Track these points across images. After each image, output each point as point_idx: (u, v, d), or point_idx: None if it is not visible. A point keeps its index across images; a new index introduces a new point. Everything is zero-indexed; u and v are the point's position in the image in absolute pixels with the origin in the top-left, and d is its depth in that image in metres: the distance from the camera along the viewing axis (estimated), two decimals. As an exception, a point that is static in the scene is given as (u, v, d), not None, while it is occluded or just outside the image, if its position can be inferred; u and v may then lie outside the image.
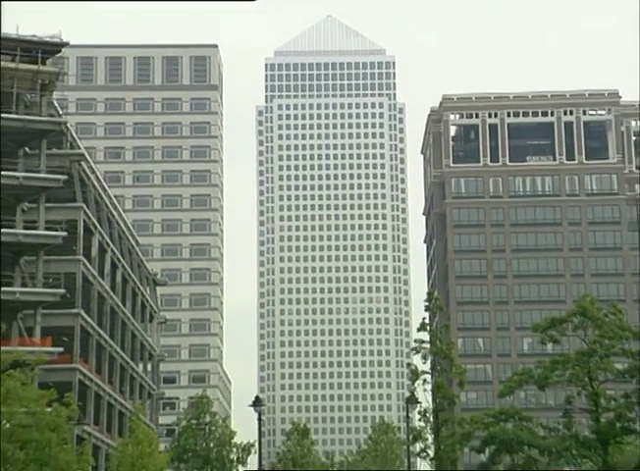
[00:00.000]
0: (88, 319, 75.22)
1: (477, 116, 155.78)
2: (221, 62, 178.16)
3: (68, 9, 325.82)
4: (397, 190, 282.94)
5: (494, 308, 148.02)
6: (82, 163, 78.25)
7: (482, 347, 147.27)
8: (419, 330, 60.77)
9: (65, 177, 70.61)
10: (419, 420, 59.49)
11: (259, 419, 52.59)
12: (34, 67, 69.21)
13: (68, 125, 75.75)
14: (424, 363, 59.08)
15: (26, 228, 68.80)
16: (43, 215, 69.11)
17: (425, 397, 58.26)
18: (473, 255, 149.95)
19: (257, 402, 52.34)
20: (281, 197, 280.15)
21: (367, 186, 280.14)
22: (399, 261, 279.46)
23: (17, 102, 69.00)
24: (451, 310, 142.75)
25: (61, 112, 77.37)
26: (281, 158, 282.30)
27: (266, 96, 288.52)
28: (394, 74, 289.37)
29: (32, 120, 69.20)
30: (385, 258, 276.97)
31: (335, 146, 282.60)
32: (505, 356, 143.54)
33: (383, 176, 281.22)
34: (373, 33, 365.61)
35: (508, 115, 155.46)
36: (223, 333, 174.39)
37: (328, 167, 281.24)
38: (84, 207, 75.55)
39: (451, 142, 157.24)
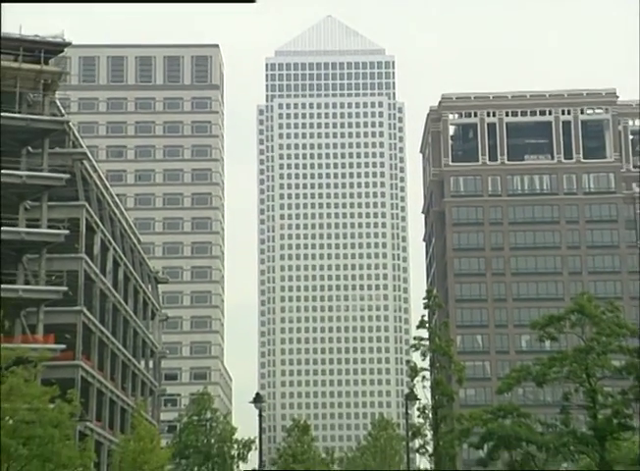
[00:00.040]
0: (91, 316, 75.27)
1: (476, 115, 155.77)
2: (222, 62, 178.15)
3: (70, 10, 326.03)
4: (396, 189, 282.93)
5: (492, 306, 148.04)
6: (85, 162, 78.29)
7: (480, 345, 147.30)
8: (418, 327, 60.79)
9: (67, 175, 70.69)
10: (418, 416, 59.50)
11: (260, 415, 52.62)
12: (37, 66, 69.26)
13: (70, 124, 75.80)
14: (423, 360, 59.12)
15: (28, 226, 68.87)
16: (46, 213, 69.16)
17: (424, 394, 58.30)
18: (472, 253, 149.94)
19: (258, 399, 52.37)
20: (281, 196, 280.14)
21: (367, 185, 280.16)
22: (398, 259, 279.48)
23: (20, 101, 69.05)
24: (449, 308, 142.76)
25: (63, 111, 77.37)
26: (281, 157, 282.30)
27: (267, 96, 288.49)
28: (393, 73, 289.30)
29: (35, 119, 69.27)
30: (384, 256, 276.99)
31: (335, 145, 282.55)
32: (503, 353, 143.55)
33: (382, 174, 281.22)
34: (373, 33, 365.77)
35: (507, 114, 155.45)
36: (224, 330, 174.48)
37: (328, 166, 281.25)
38: (87, 205, 75.58)
39: (449, 141, 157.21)
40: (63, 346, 67.74)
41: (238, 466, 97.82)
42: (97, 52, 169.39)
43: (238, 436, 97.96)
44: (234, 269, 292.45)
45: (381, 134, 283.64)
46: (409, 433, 60.24)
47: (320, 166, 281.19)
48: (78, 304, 72.57)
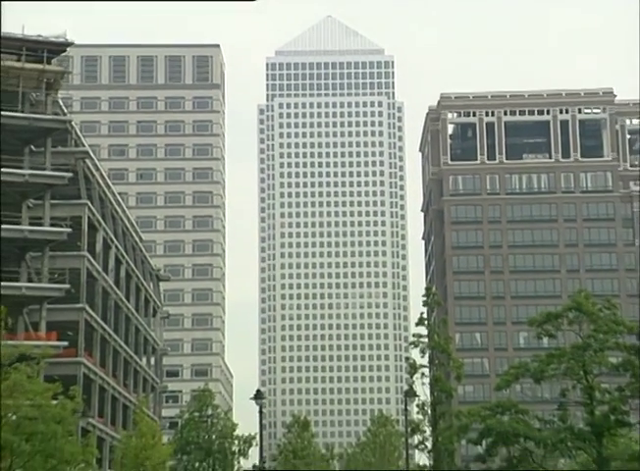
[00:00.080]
0: (93, 314, 75.31)
1: (474, 114, 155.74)
2: (223, 61, 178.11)
3: (72, 9, 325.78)
4: (395, 187, 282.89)
5: (491, 303, 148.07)
6: (87, 160, 78.31)
7: (479, 342, 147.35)
8: (417, 324, 60.72)
9: (70, 174, 70.71)
10: (417, 413, 59.49)
11: (260, 412, 52.66)
12: (40, 66, 69.31)
13: (72, 123, 75.87)
14: (422, 357, 59.07)
15: (31, 224, 68.92)
16: (48, 212, 69.21)
17: (423, 391, 58.30)
18: (470, 251, 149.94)
19: (258, 395, 52.41)
20: (281, 194, 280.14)
21: (366, 184, 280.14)
22: (397, 257, 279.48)
23: (22, 101, 69.09)
24: (448, 305, 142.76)
25: (66, 110, 77.49)
26: (282, 155, 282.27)
27: (267, 95, 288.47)
28: (392, 73, 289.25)
29: (38, 118, 69.31)
30: (384, 254, 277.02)
31: (335, 144, 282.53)
32: (501, 350, 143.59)
33: (382, 173, 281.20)
34: (372, 33, 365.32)
35: (505, 113, 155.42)
36: (225, 327, 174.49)
37: (328, 164, 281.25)
38: (89, 204, 75.61)
39: (448, 140, 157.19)
40: (65, 343, 67.79)
41: (238, 462, 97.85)
42: (99, 52, 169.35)
43: (238, 432, 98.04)
44: (234, 267, 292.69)
45: (380, 134, 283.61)
46: (408, 429, 60.24)
47: (320, 164, 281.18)
48: (80, 302, 72.61)
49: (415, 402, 58.86)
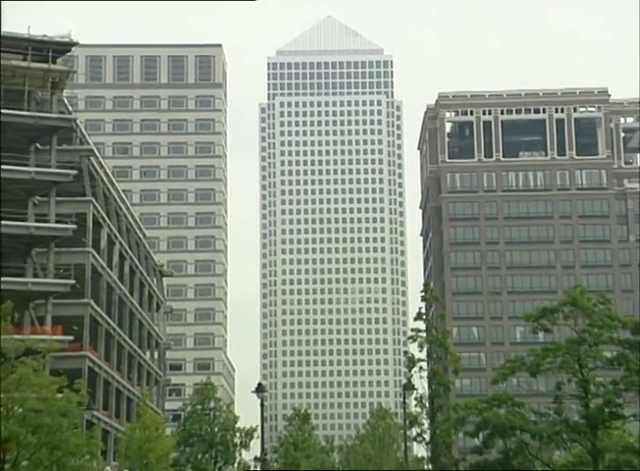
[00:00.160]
0: (97, 308, 75.33)
1: (472, 113, 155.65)
2: (225, 61, 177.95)
3: (77, 9, 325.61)
4: (394, 185, 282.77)
5: (487, 298, 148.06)
6: (91, 158, 78.34)
7: (476, 336, 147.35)
8: (416, 319, 60.71)
9: (74, 171, 70.76)
10: (415, 406, 59.50)
11: (262, 405, 52.67)
12: (45, 66, 69.35)
13: (77, 121, 75.86)
14: (420, 351, 59.01)
15: (37, 221, 68.96)
16: (54, 208, 69.23)
17: (421, 384, 58.31)
18: (468, 247, 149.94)
19: (260, 389, 52.43)
20: (282, 191, 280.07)
21: (366, 181, 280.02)
22: (396, 253, 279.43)
23: (28, 100, 69.11)
24: (446, 300, 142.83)
25: (71, 109, 77.45)
26: (282, 153, 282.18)
27: (268, 94, 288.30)
28: (391, 72, 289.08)
29: (43, 117, 69.33)
30: (383, 250, 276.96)
31: (334, 142, 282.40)
32: (498, 344, 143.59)
33: (381, 171, 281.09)
34: (372, 33, 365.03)
35: (502, 112, 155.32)
36: (227, 322, 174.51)
37: (328, 162, 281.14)
38: (93, 201, 75.63)
39: (446, 138, 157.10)
40: (71, 338, 67.85)
41: (240, 454, 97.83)
42: (103, 51, 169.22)
43: (240, 424, 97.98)
44: (236, 262, 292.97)
45: (379, 132, 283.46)
46: (407, 422, 60.28)
47: (320, 162, 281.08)
48: (85, 297, 72.66)
49: (414, 395, 58.89)
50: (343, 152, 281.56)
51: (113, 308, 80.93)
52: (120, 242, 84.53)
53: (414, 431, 59.94)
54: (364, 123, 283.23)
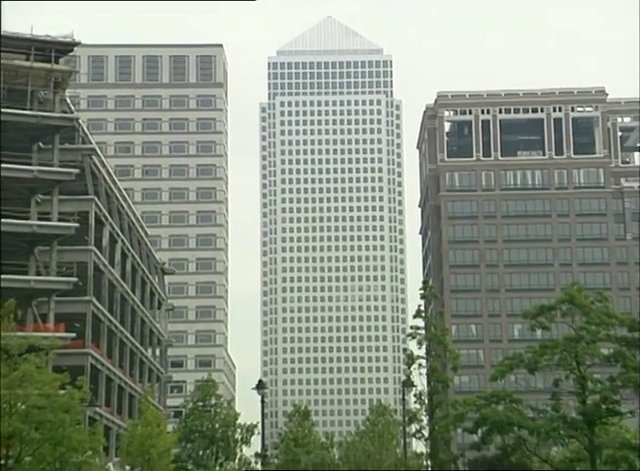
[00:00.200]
0: (100, 306, 75.35)
1: (470, 112, 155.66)
2: (226, 61, 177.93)
3: (76, 9, 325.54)
4: (393, 184, 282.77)
5: (486, 296, 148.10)
6: (94, 157, 78.30)
7: (475, 333, 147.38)
8: (415, 317, 60.71)
9: (77, 170, 70.75)
10: (415, 402, 59.53)
11: (262, 401, 52.71)
12: (48, 65, 69.34)
13: (80, 121, 75.81)
14: (419, 348, 59.05)
15: (40, 219, 68.95)
16: (56, 207, 69.23)
17: (420, 381, 58.31)
18: (466, 246, 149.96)
19: (260, 385, 52.46)
20: (283, 190, 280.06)
21: (365, 180, 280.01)
22: (395, 251, 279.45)
23: (31, 99, 69.11)
24: (445, 298, 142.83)
25: (73, 108, 77.44)
26: (283, 152, 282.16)
27: (269, 94, 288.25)
28: (391, 72, 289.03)
29: (46, 116, 69.32)
30: (382, 248, 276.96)
31: (334, 141, 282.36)
32: (496, 342, 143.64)
33: (380, 169, 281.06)
34: (371, 34, 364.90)
35: (500, 111, 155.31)
36: (228, 319, 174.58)
37: (328, 161, 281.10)
38: (96, 199, 75.62)
39: (445, 138, 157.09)
40: (73, 335, 67.85)
41: (241, 450, 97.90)
42: (105, 51, 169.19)
43: (241, 421, 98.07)
44: (237, 260, 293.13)
45: (379, 131, 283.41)
46: (406, 418, 60.30)
47: (320, 161, 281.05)
48: (87, 294, 72.64)
49: (413, 392, 58.93)
50: (342, 151, 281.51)
51: (115, 306, 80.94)
52: (122, 240, 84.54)
53: (413, 427, 59.99)
54: (364, 122, 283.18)
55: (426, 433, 58.40)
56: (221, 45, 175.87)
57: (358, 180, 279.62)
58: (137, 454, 61.73)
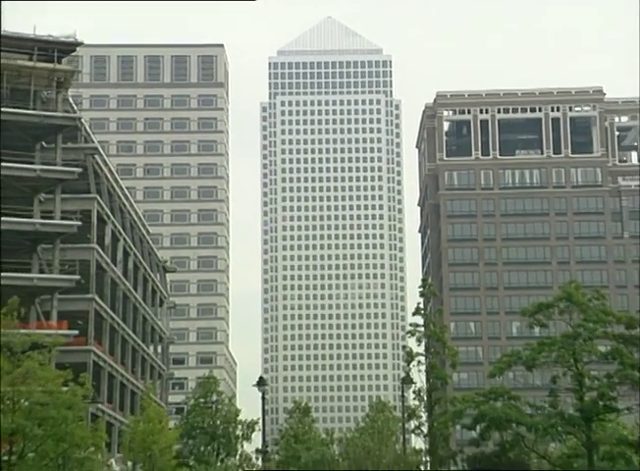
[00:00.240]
0: (102, 304, 75.37)
1: (469, 112, 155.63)
2: (227, 61, 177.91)
3: (76, 9, 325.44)
4: (393, 182, 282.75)
5: (484, 294, 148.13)
6: (96, 156, 78.32)
7: (473, 331, 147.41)
8: (414, 314, 60.68)
9: (79, 169, 70.75)
10: (414, 399, 59.50)
11: (263, 398, 52.72)
12: (51, 65, 69.34)
13: (82, 120, 75.88)
14: (419, 345, 59.00)
15: (43, 217, 68.99)
16: (59, 205, 69.27)
17: (419, 378, 58.28)
18: (465, 244, 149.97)
19: (261, 382, 52.48)
20: (283, 189, 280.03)
21: (365, 179, 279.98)
22: (395, 249, 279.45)
23: (34, 99, 69.12)
24: (444, 296, 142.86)
25: (76, 108, 77.44)
26: (283, 152, 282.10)
27: (269, 93, 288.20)
28: (390, 72, 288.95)
29: (49, 115, 69.33)
30: (382, 247, 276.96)
31: (334, 141, 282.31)
32: (494, 339, 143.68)
33: (380, 168, 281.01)
34: (371, 34, 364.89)
35: (499, 111, 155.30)
36: (229, 317, 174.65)
37: (328, 160, 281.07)
38: (98, 198, 75.64)
39: (444, 137, 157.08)
40: (76, 332, 67.88)
41: (242, 446, 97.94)
42: (108, 51, 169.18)
43: (242, 417, 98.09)
44: (238, 259, 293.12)
45: (379, 130, 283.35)
46: (405, 414, 60.28)
47: (320, 160, 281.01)
48: (90, 292, 72.70)
49: (412, 389, 58.90)
50: (342, 150, 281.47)
51: (117, 303, 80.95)
52: (124, 239, 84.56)
53: (413, 423, 59.96)
54: (364, 121, 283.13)
55: (425, 429, 58.40)
56: (222, 45, 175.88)
57: (358, 178, 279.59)
58: (139, 450, 61.76)
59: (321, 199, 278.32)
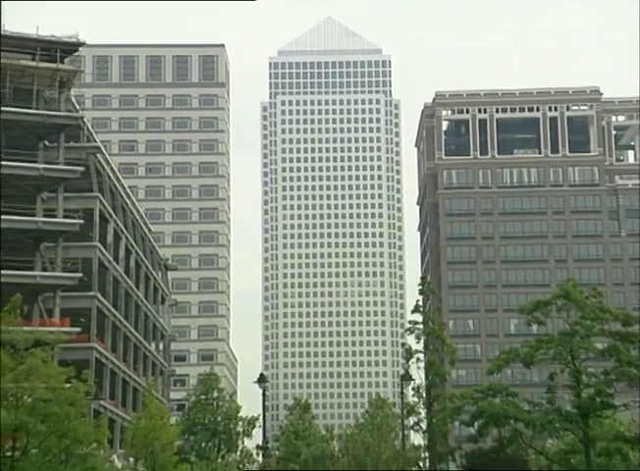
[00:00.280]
0: (104, 301, 75.40)
1: (468, 111, 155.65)
2: (228, 61, 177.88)
3: (76, 9, 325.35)
4: (392, 181, 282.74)
5: (483, 292, 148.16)
6: (98, 155, 78.34)
7: (472, 328, 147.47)
8: (413, 312, 60.65)
9: (82, 168, 70.80)
10: (413, 396, 59.51)
11: (263, 395, 52.80)
12: (53, 65, 69.36)
13: (84, 119, 75.83)
14: (417, 343, 58.96)
15: (45, 216, 69.02)
16: (62, 204, 69.29)
17: (418, 375, 58.27)
18: (464, 242, 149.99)
19: (261, 379, 52.54)
20: (284, 188, 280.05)
21: (364, 178, 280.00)
22: (394, 248, 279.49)
23: (37, 98, 69.13)
24: (443, 293, 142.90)
25: (78, 107, 77.45)
26: (284, 151, 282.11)
27: (270, 93, 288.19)
28: (390, 72, 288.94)
29: (51, 115, 69.35)
30: (381, 245, 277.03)
31: (334, 140, 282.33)
32: (493, 336, 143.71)
33: (379, 167, 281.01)
34: (371, 34, 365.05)
35: (497, 110, 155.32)
36: (230, 314, 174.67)
37: (328, 159, 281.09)
38: (100, 197, 75.66)
39: (443, 136, 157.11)
40: (78, 329, 67.93)
41: (243, 442, 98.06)
42: (110, 51, 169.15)
43: (242, 414, 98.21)
44: (239, 257, 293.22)
45: (378, 130, 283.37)
46: (404, 411, 60.30)
47: (320, 159, 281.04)
48: (92, 290, 72.73)
49: (411, 386, 58.92)
50: (342, 149, 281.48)
51: (119, 301, 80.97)
52: (126, 237, 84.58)
53: (411, 420, 59.99)
54: (363, 121, 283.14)
55: (424, 425, 58.40)
56: (223, 45, 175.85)
57: (358, 177, 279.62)
58: (141, 446, 61.79)
59: (321, 198, 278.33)
